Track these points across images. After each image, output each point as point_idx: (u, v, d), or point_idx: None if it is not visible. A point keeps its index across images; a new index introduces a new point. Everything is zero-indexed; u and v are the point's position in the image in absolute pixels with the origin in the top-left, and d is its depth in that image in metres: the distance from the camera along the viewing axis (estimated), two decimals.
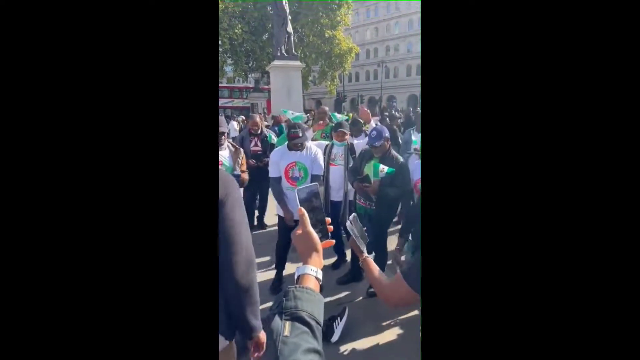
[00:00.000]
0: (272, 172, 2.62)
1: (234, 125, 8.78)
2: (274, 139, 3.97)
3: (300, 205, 0.72)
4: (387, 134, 2.51)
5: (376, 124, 3.19)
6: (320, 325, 0.57)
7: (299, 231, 0.71)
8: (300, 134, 2.50)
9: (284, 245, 2.73)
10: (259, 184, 3.77)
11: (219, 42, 16.58)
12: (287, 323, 0.54)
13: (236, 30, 17.03)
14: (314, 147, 2.68)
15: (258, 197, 4.15)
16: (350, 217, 1.04)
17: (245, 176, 2.85)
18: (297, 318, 0.55)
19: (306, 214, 0.71)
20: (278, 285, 2.74)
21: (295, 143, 2.52)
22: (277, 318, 0.56)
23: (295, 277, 0.67)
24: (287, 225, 2.60)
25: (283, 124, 5.88)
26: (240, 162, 2.79)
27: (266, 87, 18.03)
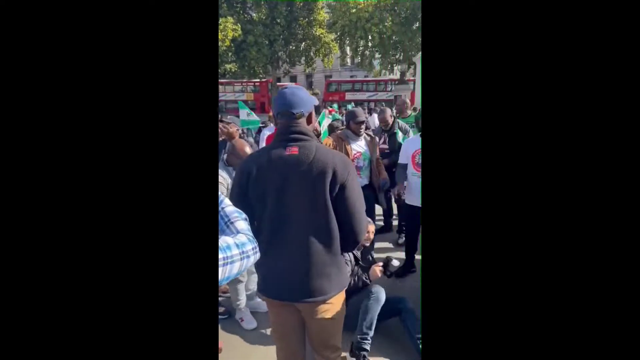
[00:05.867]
0: (401, 159, 2.83)
1: (375, 118, 8.25)
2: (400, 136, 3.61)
3: None
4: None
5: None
6: None
7: None
8: None
9: (414, 230, 2.85)
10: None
11: (369, 36, 17.39)
12: None
13: (386, 24, 17.12)
14: None
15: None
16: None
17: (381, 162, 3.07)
18: None
19: None
20: (409, 269, 2.88)
21: None
22: None
23: None
24: (415, 211, 2.70)
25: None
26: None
27: (411, 79, 18.24)
